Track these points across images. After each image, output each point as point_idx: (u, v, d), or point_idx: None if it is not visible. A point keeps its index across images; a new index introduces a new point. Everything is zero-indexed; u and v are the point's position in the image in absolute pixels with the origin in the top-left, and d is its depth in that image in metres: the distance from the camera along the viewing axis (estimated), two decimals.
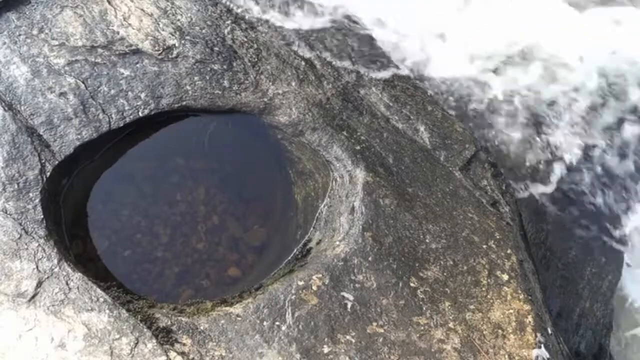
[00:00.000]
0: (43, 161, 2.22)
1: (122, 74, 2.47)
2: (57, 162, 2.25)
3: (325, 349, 1.95)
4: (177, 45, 2.59)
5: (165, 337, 1.89)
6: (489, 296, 2.17)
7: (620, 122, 4.06)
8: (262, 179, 2.65)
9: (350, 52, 2.86)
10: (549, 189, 3.68)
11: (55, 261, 1.99)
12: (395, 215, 2.30)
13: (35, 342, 1.82)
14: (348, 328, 2.00)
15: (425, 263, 2.21)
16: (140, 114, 2.41)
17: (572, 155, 3.89)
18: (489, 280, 2.21)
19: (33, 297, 1.91)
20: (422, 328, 2.04)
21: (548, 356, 2.07)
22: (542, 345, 2.08)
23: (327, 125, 2.52)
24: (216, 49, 2.62)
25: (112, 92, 2.43)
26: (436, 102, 2.88)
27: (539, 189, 3.65)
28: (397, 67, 2.96)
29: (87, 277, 1.98)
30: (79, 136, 2.31)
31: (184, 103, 2.47)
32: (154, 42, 2.57)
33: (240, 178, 2.62)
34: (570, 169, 3.81)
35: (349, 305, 2.05)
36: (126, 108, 2.41)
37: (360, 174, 2.38)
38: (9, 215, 2.07)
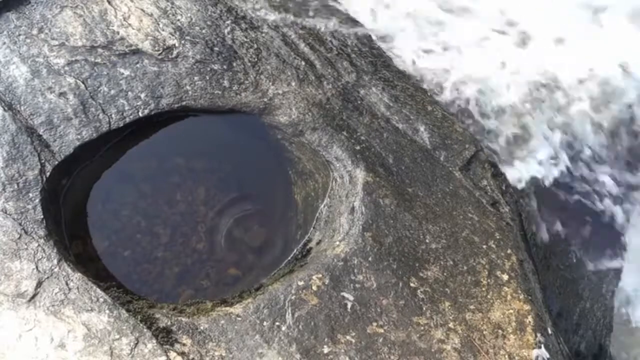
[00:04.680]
0: (43, 161, 2.22)
1: (122, 74, 2.47)
2: (57, 162, 2.25)
3: (325, 349, 1.95)
4: (177, 45, 2.58)
5: (165, 337, 1.89)
6: (489, 296, 2.17)
7: (622, 123, 4.06)
8: (262, 179, 2.65)
9: (350, 52, 2.86)
10: (549, 188, 3.68)
11: (55, 261, 1.99)
12: (395, 215, 2.30)
13: (35, 342, 1.82)
14: (348, 328, 2.00)
15: (425, 263, 2.20)
16: (140, 114, 2.41)
17: (573, 155, 3.89)
18: (489, 281, 2.21)
19: (33, 297, 1.91)
20: (422, 328, 2.04)
21: (548, 356, 2.07)
22: (542, 345, 2.08)
23: (327, 125, 2.52)
24: (216, 49, 2.62)
25: (112, 92, 2.43)
26: (436, 102, 2.88)
27: (539, 189, 3.65)
28: (397, 67, 2.96)
29: (87, 277, 1.98)
30: (79, 136, 2.31)
31: (184, 103, 2.47)
32: (154, 42, 2.57)
33: (240, 178, 2.62)
34: (571, 169, 3.81)
35: (349, 305, 2.05)
36: (126, 108, 2.41)
37: (360, 174, 2.38)
38: (8, 215, 2.06)
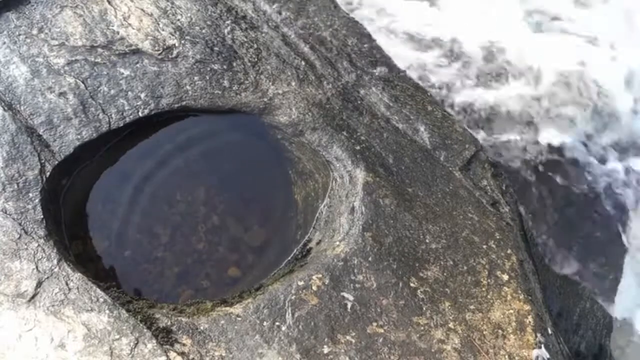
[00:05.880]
0: (43, 161, 2.22)
1: (122, 73, 2.47)
2: (57, 162, 2.25)
3: (325, 349, 1.94)
4: (177, 45, 2.58)
5: (165, 337, 1.89)
6: (489, 296, 2.17)
7: (622, 123, 4.06)
8: (262, 179, 2.65)
9: (350, 52, 2.86)
10: (549, 188, 3.68)
11: (55, 261, 1.99)
12: (395, 215, 2.30)
13: (35, 343, 1.82)
14: (348, 328, 2.00)
15: (425, 263, 2.20)
16: (140, 114, 2.41)
17: (573, 155, 3.89)
18: (489, 281, 2.21)
19: (33, 297, 1.91)
20: (422, 328, 2.04)
21: (548, 356, 2.07)
22: (542, 345, 2.08)
23: (327, 125, 2.52)
24: (216, 49, 2.62)
25: (112, 92, 2.43)
26: (436, 102, 2.87)
27: (539, 189, 3.65)
28: (397, 67, 2.96)
29: (87, 277, 1.98)
30: (78, 136, 2.31)
31: (184, 103, 2.47)
32: (154, 42, 2.57)
33: (240, 178, 2.62)
34: (570, 169, 3.81)
35: (349, 305, 2.05)
36: (126, 108, 2.41)
37: (360, 174, 2.38)
38: (8, 215, 2.06)
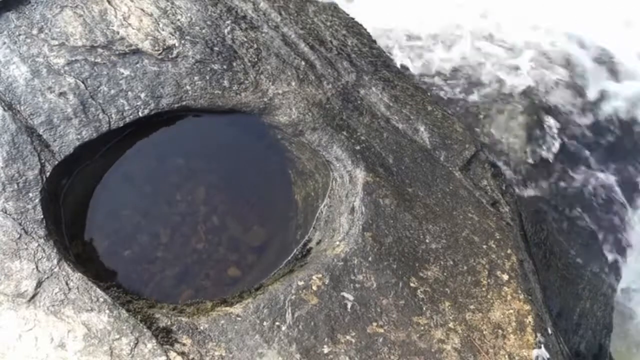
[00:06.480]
0: (43, 161, 2.22)
1: (122, 73, 2.47)
2: (57, 162, 2.25)
3: (325, 349, 1.95)
4: (177, 45, 2.58)
5: (165, 337, 1.89)
6: (489, 296, 2.17)
7: (622, 123, 4.07)
8: (262, 179, 2.65)
9: (350, 52, 2.86)
10: (549, 189, 3.68)
11: (55, 261, 1.99)
12: (395, 215, 2.30)
13: (35, 342, 1.82)
14: (348, 328, 2.00)
15: (425, 263, 2.20)
16: (140, 114, 2.41)
17: (573, 155, 3.89)
18: (489, 280, 2.21)
19: (33, 297, 1.91)
20: (422, 328, 2.04)
21: (548, 356, 2.07)
22: (542, 345, 2.08)
23: (327, 125, 2.52)
24: (216, 49, 2.62)
25: (112, 92, 2.43)
26: (436, 102, 2.88)
27: (539, 189, 3.65)
28: (397, 67, 2.96)
29: (87, 277, 1.98)
30: (78, 136, 2.31)
31: (184, 103, 2.47)
32: (154, 42, 2.57)
33: (240, 178, 2.62)
34: (570, 169, 3.81)
35: (349, 305, 2.05)
36: (126, 108, 2.41)
37: (360, 174, 2.38)
38: (8, 215, 2.07)
